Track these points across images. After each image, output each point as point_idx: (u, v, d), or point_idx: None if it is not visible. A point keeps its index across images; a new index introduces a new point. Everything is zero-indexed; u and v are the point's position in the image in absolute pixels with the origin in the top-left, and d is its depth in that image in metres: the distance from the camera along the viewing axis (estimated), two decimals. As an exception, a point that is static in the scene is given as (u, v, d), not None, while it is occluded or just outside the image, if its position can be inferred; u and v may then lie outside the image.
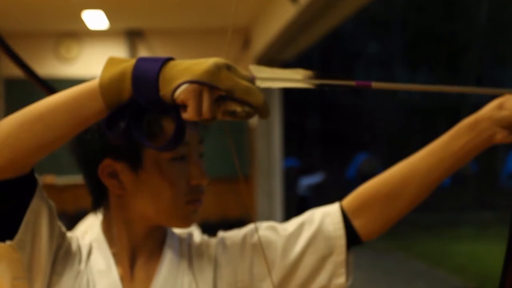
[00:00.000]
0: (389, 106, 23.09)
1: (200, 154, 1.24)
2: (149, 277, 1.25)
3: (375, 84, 1.02)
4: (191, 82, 0.88)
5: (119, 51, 8.36)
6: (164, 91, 0.90)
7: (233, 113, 0.92)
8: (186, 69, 0.91)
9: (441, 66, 23.66)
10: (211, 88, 0.89)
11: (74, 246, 1.25)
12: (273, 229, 1.30)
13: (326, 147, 22.46)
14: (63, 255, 1.21)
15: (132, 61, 0.95)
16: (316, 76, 1.02)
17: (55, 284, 1.19)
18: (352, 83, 1.01)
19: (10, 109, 7.38)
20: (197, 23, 8.36)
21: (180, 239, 1.33)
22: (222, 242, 1.31)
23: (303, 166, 14.78)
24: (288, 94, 16.52)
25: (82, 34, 8.49)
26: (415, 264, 9.76)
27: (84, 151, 1.20)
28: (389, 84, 1.05)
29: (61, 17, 7.84)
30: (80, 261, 1.24)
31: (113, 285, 1.23)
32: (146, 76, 0.91)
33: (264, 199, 8.68)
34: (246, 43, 8.71)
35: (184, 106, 0.91)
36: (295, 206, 12.47)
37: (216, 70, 0.90)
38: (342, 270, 1.25)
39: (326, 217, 1.27)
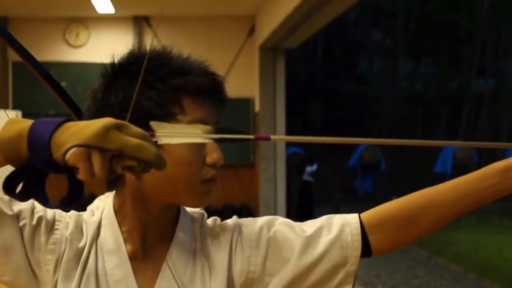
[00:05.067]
0: (392, 95, 23.09)
1: None
2: (161, 256, 1.26)
3: (273, 137, 1.07)
4: (78, 146, 0.91)
5: (126, 37, 8.42)
6: (56, 154, 0.92)
7: (130, 168, 0.95)
8: (75, 132, 0.92)
9: (443, 56, 23.63)
10: (101, 149, 0.91)
11: (71, 226, 1.26)
12: (290, 226, 1.30)
13: (329, 135, 22.43)
14: (48, 233, 1.24)
15: (30, 123, 0.97)
16: (215, 131, 1.07)
17: (46, 263, 1.23)
18: (251, 137, 1.07)
19: (17, 90, 7.39)
20: (203, 10, 8.40)
21: (192, 218, 1.33)
22: (239, 228, 1.31)
23: (307, 153, 14.82)
24: (291, 82, 16.52)
25: (91, 20, 8.56)
26: (416, 252, 9.78)
27: None
28: (287, 137, 1.13)
29: (70, 3, 7.91)
30: (83, 239, 1.26)
31: (122, 264, 1.24)
32: (39, 140, 0.92)
33: (268, 185, 8.74)
34: (251, 31, 8.76)
35: (77, 168, 0.94)
36: (298, 191, 12.52)
37: (104, 132, 0.91)
38: (351, 279, 1.28)
39: (346, 226, 1.28)
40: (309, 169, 13.10)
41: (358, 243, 1.27)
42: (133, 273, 1.24)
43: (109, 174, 0.93)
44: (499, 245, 10.04)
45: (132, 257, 1.25)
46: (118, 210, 1.28)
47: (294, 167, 12.65)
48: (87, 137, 0.90)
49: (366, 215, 1.31)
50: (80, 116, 1.24)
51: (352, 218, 1.30)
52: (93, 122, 0.93)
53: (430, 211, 1.27)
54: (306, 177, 12.66)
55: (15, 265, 1.21)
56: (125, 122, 0.94)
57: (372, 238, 1.28)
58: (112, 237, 1.26)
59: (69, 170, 0.93)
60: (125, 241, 1.26)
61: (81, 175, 0.92)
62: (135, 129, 0.94)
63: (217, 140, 1.11)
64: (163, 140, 1.03)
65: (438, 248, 9.91)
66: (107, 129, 0.91)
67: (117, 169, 0.94)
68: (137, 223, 1.26)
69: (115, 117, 1.08)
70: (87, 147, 0.91)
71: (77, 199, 0.98)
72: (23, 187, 0.97)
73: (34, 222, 1.22)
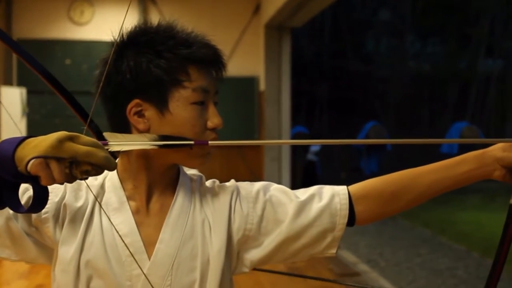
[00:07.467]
0: (399, 74, 23.04)
1: (215, 102, 1.38)
2: (163, 211, 1.38)
3: (211, 143, 1.26)
4: (36, 157, 1.03)
5: (131, 15, 8.42)
6: (20, 167, 1.05)
7: (86, 172, 1.07)
8: (34, 146, 1.05)
9: (451, 35, 23.54)
10: (57, 158, 1.04)
11: (68, 192, 1.37)
12: (284, 192, 1.44)
13: (335, 114, 22.49)
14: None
15: None
16: (159, 139, 1.26)
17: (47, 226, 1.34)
18: (191, 142, 1.26)
19: (22, 67, 7.38)
20: (208, -12, 8.42)
21: (191, 179, 1.45)
22: (237, 189, 1.44)
23: (312, 132, 14.81)
24: (298, 61, 16.48)
25: (95, -2, 8.59)
26: (420, 231, 9.84)
27: (115, 91, 1.32)
28: (226, 142, 1.26)
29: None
30: (83, 200, 1.37)
31: (127, 219, 1.36)
32: (5, 157, 1.05)
33: (272, 164, 8.79)
34: (257, 9, 8.76)
35: (39, 176, 1.05)
36: (302, 170, 12.57)
37: (58, 143, 1.04)
38: (336, 244, 1.42)
39: (336, 196, 1.42)
40: (313, 148, 13.13)
41: (345, 212, 1.41)
42: (137, 227, 1.36)
43: (70, 179, 1.07)
44: (503, 225, 10.03)
45: (136, 213, 1.37)
46: (123, 171, 1.40)
47: (298, 147, 12.68)
48: (44, 149, 1.04)
49: (353, 187, 1.45)
50: (78, 109, 1.34)
51: (341, 190, 1.44)
52: (49, 136, 1.06)
53: (412, 189, 1.42)
54: (310, 157, 12.72)
55: (19, 245, 1.34)
56: (77, 134, 1.08)
57: (357, 209, 1.42)
58: (116, 196, 1.38)
59: (33, 179, 1.06)
60: (129, 199, 1.38)
61: (43, 181, 1.05)
62: (86, 138, 1.08)
63: (160, 145, 1.26)
64: (114, 148, 1.20)
65: (442, 227, 9.96)
66: (60, 141, 1.05)
67: (76, 174, 1.07)
68: (143, 181, 1.38)
69: (126, 82, 1.29)
70: (45, 158, 1.04)
71: (43, 203, 1.13)
72: None
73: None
